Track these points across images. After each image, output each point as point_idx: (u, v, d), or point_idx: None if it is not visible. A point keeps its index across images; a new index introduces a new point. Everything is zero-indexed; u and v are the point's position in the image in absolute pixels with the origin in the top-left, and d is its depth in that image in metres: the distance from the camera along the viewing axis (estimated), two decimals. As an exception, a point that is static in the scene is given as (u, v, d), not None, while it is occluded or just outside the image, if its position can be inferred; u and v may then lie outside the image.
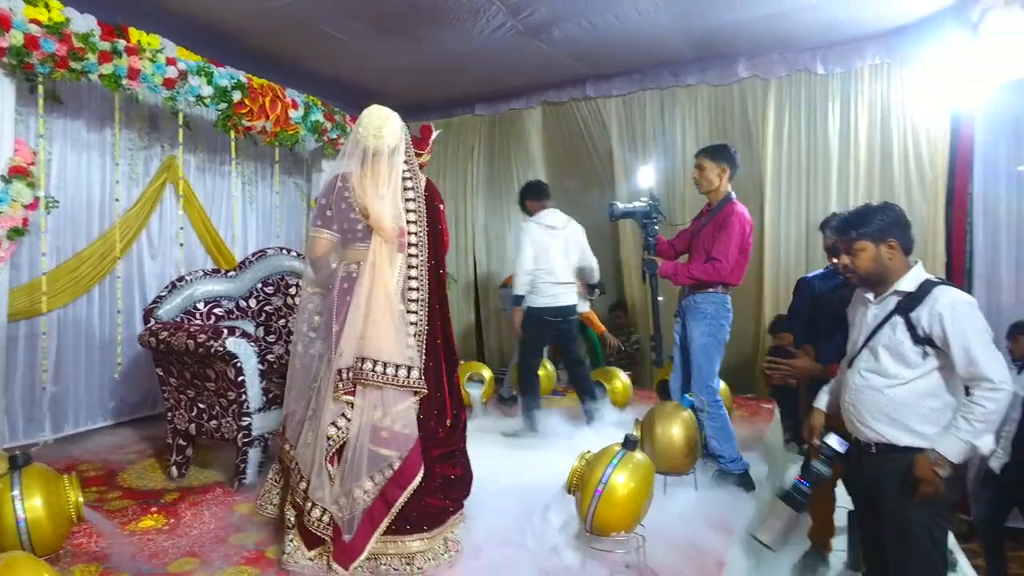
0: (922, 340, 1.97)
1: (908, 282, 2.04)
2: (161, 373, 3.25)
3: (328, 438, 2.17)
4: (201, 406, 3.17)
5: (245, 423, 3.02)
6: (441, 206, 2.45)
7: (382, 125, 2.25)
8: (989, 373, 1.89)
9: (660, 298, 3.42)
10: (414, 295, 2.31)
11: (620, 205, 3.41)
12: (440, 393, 2.34)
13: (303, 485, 2.22)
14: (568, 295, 4.08)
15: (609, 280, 5.70)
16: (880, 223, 2.05)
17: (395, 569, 2.19)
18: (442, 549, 2.27)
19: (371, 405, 2.18)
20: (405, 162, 2.33)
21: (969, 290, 4.16)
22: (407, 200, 2.32)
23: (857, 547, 2.98)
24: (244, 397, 3.00)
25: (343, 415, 2.20)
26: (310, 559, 2.22)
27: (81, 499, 2.28)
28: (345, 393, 2.19)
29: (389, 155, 2.27)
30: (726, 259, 3.10)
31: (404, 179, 2.32)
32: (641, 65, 5.48)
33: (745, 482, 3.09)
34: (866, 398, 2.09)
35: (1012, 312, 4.24)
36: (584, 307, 4.73)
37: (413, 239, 2.32)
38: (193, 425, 3.20)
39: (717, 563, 2.36)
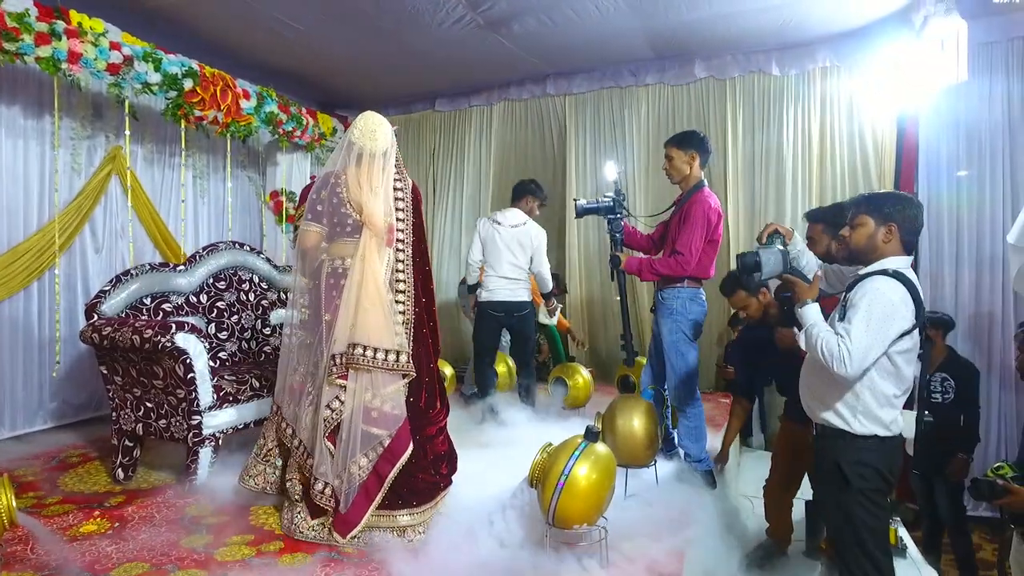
0: (842, 319, 2.03)
1: (871, 267, 2.07)
2: (105, 371, 3.10)
3: (324, 419, 2.38)
4: (149, 405, 3.04)
5: (195, 422, 2.91)
6: (422, 207, 2.67)
7: (376, 129, 2.51)
8: (853, 338, 1.92)
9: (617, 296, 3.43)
10: (401, 286, 2.52)
11: (583, 201, 3.37)
12: (429, 377, 2.56)
13: (310, 462, 2.43)
14: (510, 291, 4.13)
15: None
16: (891, 208, 2.07)
17: (387, 540, 2.37)
18: (433, 523, 2.46)
19: (363, 388, 2.38)
20: (396, 165, 2.57)
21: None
22: (397, 199, 2.56)
23: (816, 535, 3.05)
24: (194, 395, 2.89)
25: (337, 398, 2.39)
26: (313, 528, 2.43)
27: (14, 503, 2.14)
28: (339, 377, 2.38)
29: (381, 157, 2.51)
30: (689, 252, 3.01)
31: (395, 179, 2.56)
32: (601, 64, 5.53)
33: (708, 480, 3.11)
34: (807, 376, 2.17)
35: (952, 306, 4.43)
36: (547, 319, 4.76)
37: (400, 235, 2.55)
38: (140, 425, 3.06)
39: (677, 555, 2.38)
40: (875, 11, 4.40)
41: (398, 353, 2.41)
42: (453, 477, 2.61)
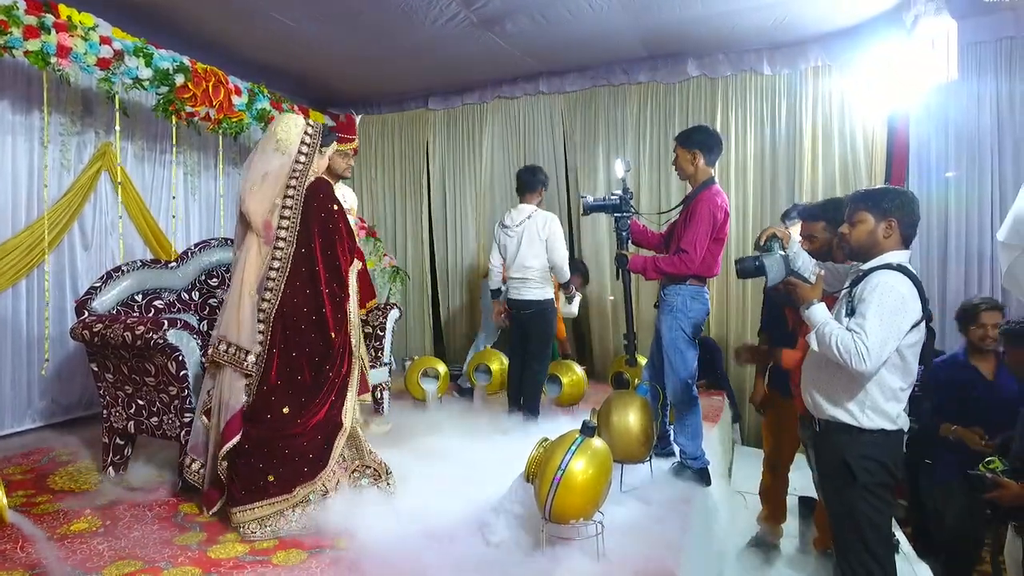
0: (849, 313, 2.03)
1: (874, 262, 2.08)
2: (96, 369, 3.07)
3: (202, 402, 2.65)
4: (140, 403, 3.01)
5: (187, 419, 2.88)
6: (333, 205, 2.61)
7: (276, 130, 2.59)
8: (869, 333, 1.91)
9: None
10: (270, 284, 2.57)
11: (591, 199, 3.33)
12: (287, 380, 2.54)
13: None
14: (515, 290, 4.06)
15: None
16: (889, 203, 2.08)
17: (251, 531, 2.45)
18: (293, 514, 2.48)
19: (227, 380, 2.55)
20: (299, 162, 2.58)
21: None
22: (286, 198, 2.58)
23: (811, 530, 3.07)
24: (187, 392, 2.86)
25: (209, 390, 2.62)
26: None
27: (5, 501, 2.12)
28: (210, 364, 2.60)
29: (273, 154, 2.57)
30: (694, 250, 2.97)
31: (291, 178, 2.58)
32: (594, 63, 5.53)
33: (703, 477, 3.10)
34: (812, 372, 2.16)
35: (940, 304, 4.46)
36: (569, 309, 4.49)
37: (283, 233, 2.57)
38: (132, 423, 3.03)
39: (674, 550, 2.38)
40: (866, 10, 4.43)
41: (247, 352, 2.51)
42: (299, 487, 2.48)
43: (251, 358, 2.52)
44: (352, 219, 3.68)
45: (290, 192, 2.57)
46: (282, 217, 2.57)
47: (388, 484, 2.71)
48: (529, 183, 4.12)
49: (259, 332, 2.54)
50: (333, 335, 2.55)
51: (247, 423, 2.51)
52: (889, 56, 4.48)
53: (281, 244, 2.56)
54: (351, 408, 2.62)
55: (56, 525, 2.52)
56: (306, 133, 2.61)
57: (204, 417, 2.63)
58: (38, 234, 3.83)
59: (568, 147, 5.84)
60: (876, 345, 1.92)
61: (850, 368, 1.94)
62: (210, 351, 2.57)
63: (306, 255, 2.56)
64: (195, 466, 2.68)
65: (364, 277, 3.67)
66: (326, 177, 2.74)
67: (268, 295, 2.56)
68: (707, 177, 3.14)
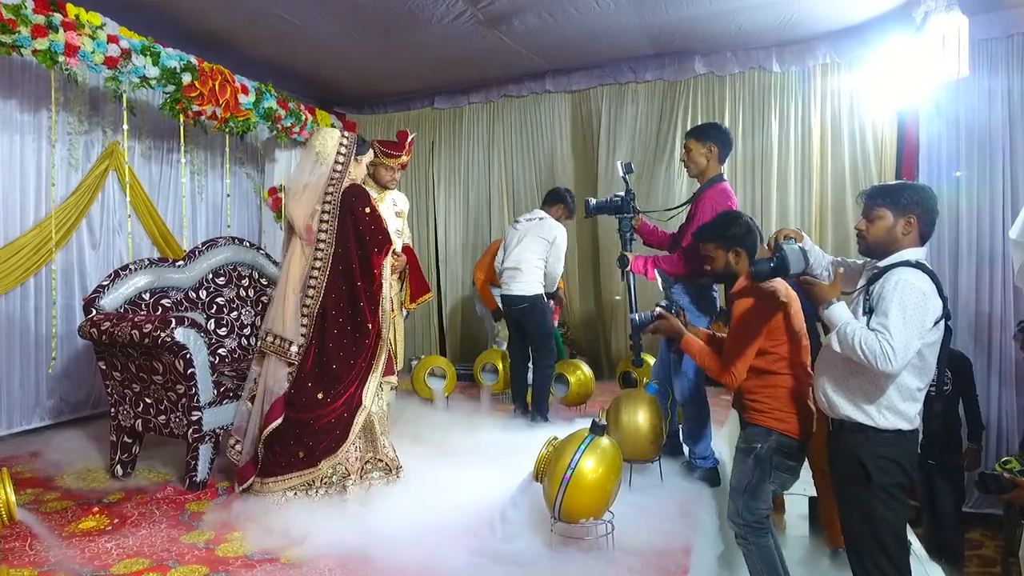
0: (867, 312, 2.00)
1: (891, 259, 2.04)
2: (104, 367, 3.07)
3: (248, 389, 2.86)
4: (148, 401, 3.01)
5: (195, 418, 2.88)
6: (365, 208, 2.79)
7: (326, 143, 2.81)
8: (893, 333, 1.87)
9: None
10: (313, 282, 2.76)
11: (594, 201, 3.36)
12: (322, 369, 2.72)
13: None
14: (505, 285, 4.05)
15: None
16: (908, 199, 2.04)
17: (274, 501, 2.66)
18: (315, 490, 2.68)
19: (272, 368, 2.75)
20: (336, 171, 2.79)
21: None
22: (324, 203, 2.77)
23: (822, 531, 3.03)
24: (194, 391, 2.86)
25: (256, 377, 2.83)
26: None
27: (13, 497, 2.11)
28: (257, 354, 2.84)
29: (313, 164, 2.79)
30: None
31: (330, 185, 2.78)
32: (600, 60, 5.51)
33: (711, 477, 3.07)
34: (828, 369, 2.13)
35: (951, 302, 4.39)
36: None
37: (323, 236, 2.77)
38: (139, 421, 3.03)
39: (684, 550, 2.36)
40: (875, 7, 4.40)
41: (291, 343, 2.72)
42: (323, 461, 2.69)
43: (294, 348, 2.72)
44: (402, 221, 3.83)
45: (328, 198, 2.78)
46: (321, 221, 2.77)
47: (398, 479, 2.79)
48: (555, 194, 4.24)
49: (303, 326, 2.73)
50: (370, 326, 2.74)
51: (287, 407, 2.70)
52: (898, 53, 4.44)
53: (321, 245, 2.76)
54: (372, 390, 2.79)
55: (64, 523, 2.53)
56: (341, 144, 2.83)
57: (249, 402, 2.82)
58: (46, 233, 3.84)
59: (574, 146, 5.81)
60: (901, 345, 1.87)
61: (875, 369, 1.90)
62: (258, 342, 2.82)
63: (343, 254, 2.76)
64: (238, 447, 2.82)
65: (416, 272, 3.78)
66: (359, 183, 2.94)
67: (311, 292, 2.75)
68: (716, 174, 3.12)
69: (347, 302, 2.75)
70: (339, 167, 2.80)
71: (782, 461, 2.34)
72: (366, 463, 2.78)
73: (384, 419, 2.89)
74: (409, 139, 3.76)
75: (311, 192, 2.77)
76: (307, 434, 2.67)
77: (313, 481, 2.68)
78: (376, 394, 2.82)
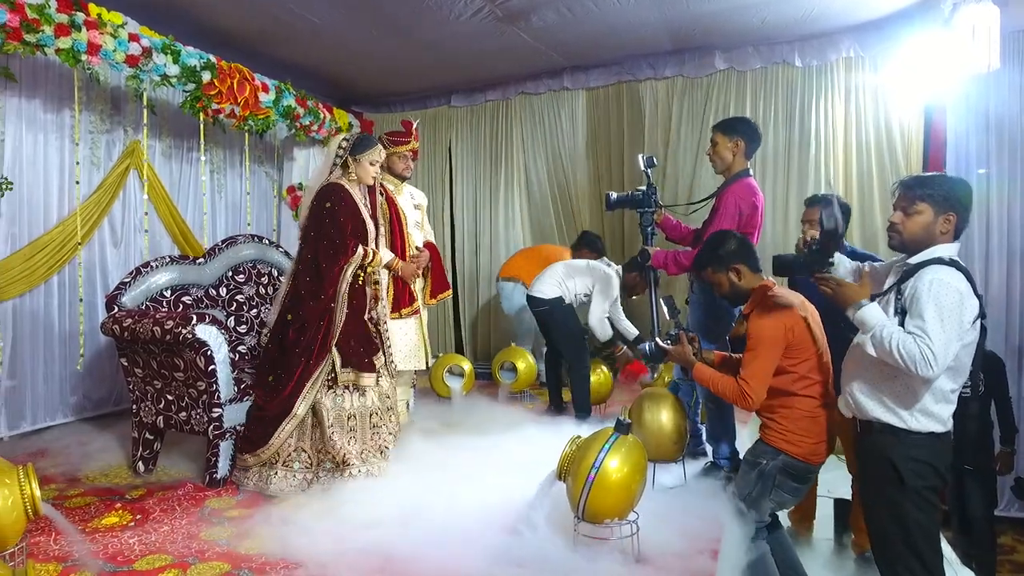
0: (899, 312, 1.94)
1: (924, 255, 1.97)
2: (126, 363, 3.09)
3: None
4: (169, 398, 3.02)
5: (216, 415, 2.88)
6: (324, 204, 2.90)
7: (331, 147, 3.02)
8: (932, 336, 1.80)
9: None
10: (284, 277, 3.16)
11: (614, 195, 3.34)
12: (272, 358, 2.94)
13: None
14: (535, 285, 4.11)
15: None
16: (951, 195, 1.95)
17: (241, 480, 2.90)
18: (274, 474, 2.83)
19: None
20: (329, 171, 3.00)
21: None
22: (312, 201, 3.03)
23: (850, 533, 2.97)
24: (215, 387, 2.86)
25: None
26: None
27: (38, 492, 2.11)
28: None
29: (325, 165, 3.06)
30: None
31: (319, 183, 3.01)
32: (619, 56, 5.45)
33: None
34: (858, 371, 2.07)
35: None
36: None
37: (302, 233, 3.02)
38: (161, 418, 3.04)
39: (712, 551, 2.31)
40: (899, 0, 4.31)
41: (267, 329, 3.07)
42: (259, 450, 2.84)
43: (265, 330, 3.08)
44: (421, 214, 3.85)
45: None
46: (305, 218, 3.00)
47: (350, 475, 2.76)
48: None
49: (276, 315, 3.00)
50: (308, 333, 2.81)
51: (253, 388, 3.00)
52: (925, 46, 4.34)
53: (299, 242, 2.96)
54: (309, 400, 2.82)
55: (87, 519, 2.54)
56: (339, 147, 2.95)
57: None
58: (70, 230, 3.87)
59: (592, 143, 5.77)
60: (941, 348, 1.81)
61: (914, 374, 1.83)
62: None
63: (302, 254, 2.94)
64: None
65: (438, 268, 3.82)
66: (370, 181, 3.05)
67: (283, 281, 3.04)
68: (742, 168, 3.07)
69: (297, 302, 2.87)
70: (333, 167, 2.97)
71: (785, 481, 2.32)
72: (317, 464, 2.85)
73: (343, 420, 2.86)
74: (414, 125, 3.82)
75: (308, 195, 3.00)
76: (252, 417, 2.89)
77: (263, 467, 2.85)
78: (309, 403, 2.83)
